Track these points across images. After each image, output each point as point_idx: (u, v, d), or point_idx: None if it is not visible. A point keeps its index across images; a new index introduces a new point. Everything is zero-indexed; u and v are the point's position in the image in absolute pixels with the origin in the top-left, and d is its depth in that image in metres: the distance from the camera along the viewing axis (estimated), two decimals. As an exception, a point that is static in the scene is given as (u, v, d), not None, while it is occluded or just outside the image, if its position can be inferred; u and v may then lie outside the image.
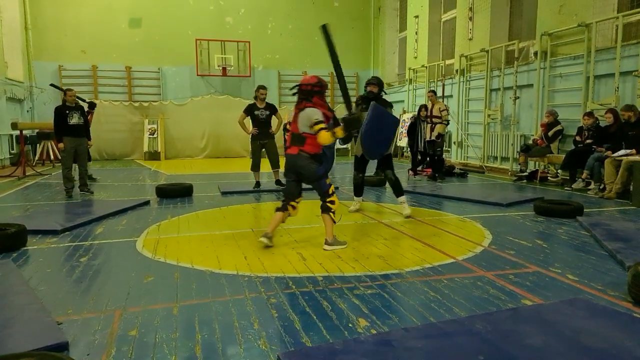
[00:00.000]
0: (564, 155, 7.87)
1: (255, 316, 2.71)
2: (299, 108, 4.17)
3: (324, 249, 4.06)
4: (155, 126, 14.25)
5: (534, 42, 9.46)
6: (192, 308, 2.85)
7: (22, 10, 13.25)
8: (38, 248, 4.22)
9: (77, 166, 7.44)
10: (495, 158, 10.65)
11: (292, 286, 3.20)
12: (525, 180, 8.62)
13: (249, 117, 7.44)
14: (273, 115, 7.49)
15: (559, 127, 8.34)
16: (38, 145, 12.50)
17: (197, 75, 14.70)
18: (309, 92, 4.13)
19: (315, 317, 2.68)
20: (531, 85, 9.53)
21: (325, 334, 2.48)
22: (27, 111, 13.58)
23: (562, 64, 8.81)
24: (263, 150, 7.51)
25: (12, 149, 11.94)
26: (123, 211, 5.88)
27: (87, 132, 7.41)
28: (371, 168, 9.09)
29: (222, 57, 14.56)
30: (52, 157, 12.39)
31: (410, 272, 3.49)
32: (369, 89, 5.43)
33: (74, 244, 4.37)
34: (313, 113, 4.05)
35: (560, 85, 8.89)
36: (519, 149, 9.20)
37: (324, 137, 4.02)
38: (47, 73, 13.91)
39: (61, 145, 7.09)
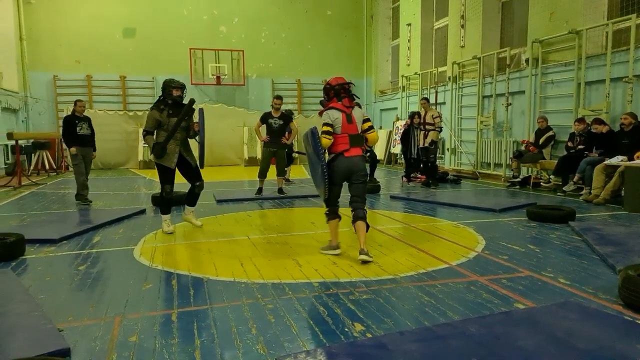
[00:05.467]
0: (556, 161, 7.98)
1: (253, 321, 2.75)
2: (350, 107, 4.03)
3: (362, 259, 3.84)
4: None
5: (525, 49, 9.61)
6: (190, 314, 2.88)
7: (16, 21, 13.31)
8: (37, 257, 4.23)
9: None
10: (488, 164, 10.76)
11: (288, 292, 3.24)
12: (518, 186, 8.72)
13: (264, 125, 7.70)
14: (288, 125, 7.64)
15: (550, 133, 8.46)
16: (33, 155, 12.49)
17: (192, 84, 14.74)
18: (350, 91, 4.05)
19: (311, 322, 2.73)
20: (523, 92, 9.67)
21: (322, 338, 2.52)
22: (22, 121, 13.58)
23: (553, 70, 8.94)
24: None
25: (8, 159, 11.92)
26: (119, 220, 5.90)
27: (94, 143, 7.49)
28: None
29: (216, 66, 14.66)
30: (47, 166, 12.38)
31: (405, 277, 3.54)
32: (177, 93, 4.99)
33: (72, 252, 4.39)
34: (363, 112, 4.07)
35: (551, 92, 9.02)
36: (511, 155, 9.31)
37: (375, 137, 4.13)
38: (42, 83, 13.95)
39: (73, 149, 7.15)
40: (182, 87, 5.02)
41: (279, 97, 7.66)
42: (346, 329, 2.63)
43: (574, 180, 7.51)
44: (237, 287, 3.38)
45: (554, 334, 2.45)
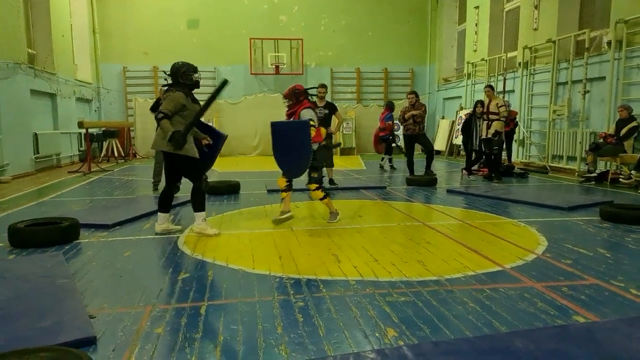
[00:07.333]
0: (638, 155, 7.15)
1: (280, 319, 2.63)
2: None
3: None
4: (210, 124, 14.68)
5: (608, 30, 8.68)
6: (219, 308, 2.82)
7: (90, 15, 14.14)
8: (89, 242, 4.41)
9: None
10: (561, 157, 9.92)
11: (322, 289, 3.09)
12: (593, 182, 7.93)
13: None
14: (333, 115, 7.42)
15: (634, 124, 7.59)
16: (104, 142, 13.28)
17: (251, 74, 14.95)
18: None
19: (341, 324, 2.56)
20: (603, 78, 8.76)
21: (349, 342, 2.35)
22: (95, 111, 14.49)
23: (639, 54, 8.00)
24: None
25: (81, 147, 12.77)
26: (172, 207, 6.01)
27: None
28: (420, 168, 8.78)
29: (275, 56, 14.70)
30: (116, 154, 13.11)
31: (450, 279, 3.26)
32: (197, 77, 4.73)
33: (122, 238, 4.53)
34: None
35: (637, 78, 8.09)
36: (587, 148, 8.50)
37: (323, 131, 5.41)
38: (112, 75, 14.75)
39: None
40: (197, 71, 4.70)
41: (324, 86, 7.42)
42: (377, 334, 2.43)
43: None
44: (271, 281, 3.28)
45: (617, 355, 2.10)
